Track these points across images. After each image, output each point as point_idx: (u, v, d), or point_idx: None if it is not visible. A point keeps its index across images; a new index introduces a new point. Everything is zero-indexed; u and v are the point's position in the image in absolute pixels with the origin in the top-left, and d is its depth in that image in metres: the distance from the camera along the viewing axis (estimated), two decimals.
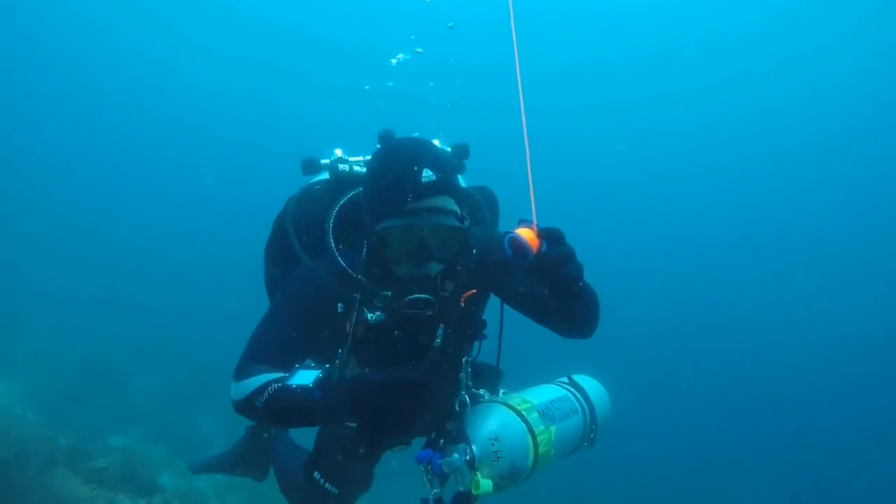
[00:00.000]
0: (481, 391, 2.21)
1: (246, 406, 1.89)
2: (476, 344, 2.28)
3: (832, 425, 11.97)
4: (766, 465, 10.89)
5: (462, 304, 2.09)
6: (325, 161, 2.34)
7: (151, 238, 15.07)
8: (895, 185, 17.67)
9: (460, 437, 1.84)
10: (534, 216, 1.65)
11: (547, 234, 1.63)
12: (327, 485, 2.31)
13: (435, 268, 1.94)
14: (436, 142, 2.32)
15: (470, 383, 2.05)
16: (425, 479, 1.84)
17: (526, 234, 1.62)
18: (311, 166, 2.34)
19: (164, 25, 20.49)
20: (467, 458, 1.79)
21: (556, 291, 1.76)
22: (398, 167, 1.91)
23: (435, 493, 1.84)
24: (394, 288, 1.94)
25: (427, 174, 1.87)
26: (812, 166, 18.77)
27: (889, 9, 16.94)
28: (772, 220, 18.31)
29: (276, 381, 1.84)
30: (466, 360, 2.09)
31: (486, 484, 1.77)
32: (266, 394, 1.83)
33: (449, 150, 2.29)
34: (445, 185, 1.92)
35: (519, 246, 1.61)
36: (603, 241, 17.98)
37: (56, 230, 13.81)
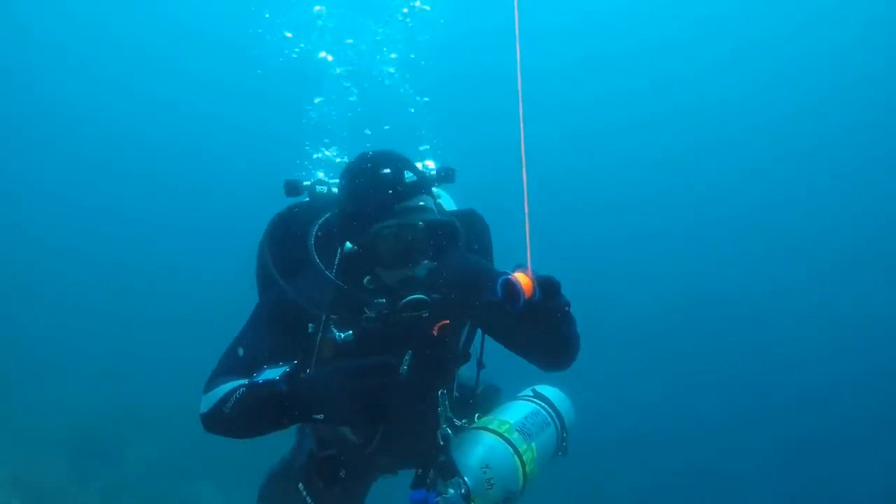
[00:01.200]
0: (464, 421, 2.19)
1: (215, 415, 1.87)
2: (455, 375, 2.30)
3: (835, 425, 11.68)
4: (763, 467, 10.59)
5: (434, 334, 2.09)
6: (307, 183, 2.39)
7: (142, 291, 14.38)
8: None
9: (451, 470, 1.84)
10: (528, 262, 1.65)
11: (543, 283, 1.62)
12: (308, 499, 2.33)
13: (424, 269, 1.98)
14: (430, 163, 2.45)
15: (451, 415, 2.05)
16: None
17: (521, 279, 1.61)
18: (293, 188, 2.39)
19: (154, 29, 19.99)
20: (462, 491, 1.79)
21: (543, 337, 1.82)
22: (381, 172, 1.99)
23: None
24: (385, 294, 1.96)
25: (408, 175, 1.99)
26: (818, 151, 18.70)
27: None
28: (773, 216, 18.22)
29: (244, 384, 1.82)
30: (443, 393, 2.07)
31: None
32: (234, 398, 1.81)
33: (434, 172, 2.37)
34: (424, 186, 2.03)
35: (512, 290, 1.59)
36: (598, 235, 17.83)
37: (30, 284, 13.31)
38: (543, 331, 1.72)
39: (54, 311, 12.47)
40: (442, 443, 1.93)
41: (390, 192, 1.96)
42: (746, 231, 17.98)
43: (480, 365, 2.35)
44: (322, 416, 1.71)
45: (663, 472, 9.96)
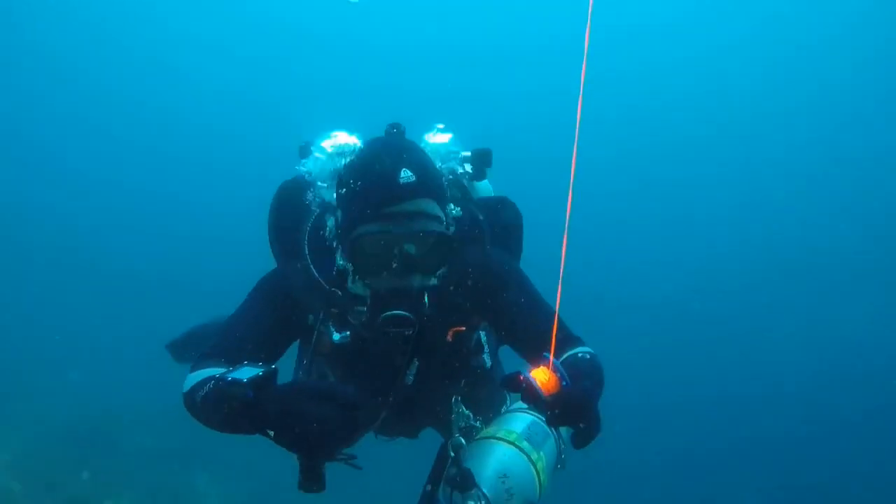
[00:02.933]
0: (478, 422, 2.03)
1: (188, 400, 1.69)
2: (462, 383, 2.11)
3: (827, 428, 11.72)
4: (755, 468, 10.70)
5: (449, 340, 1.95)
6: (323, 143, 2.08)
7: (141, 276, 14.31)
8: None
9: (467, 482, 1.68)
10: (552, 357, 1.53)
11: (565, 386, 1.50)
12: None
13: (418, 281, 1.78)
14: (445, 137, 2.21)
15: (463, 424, 1.90)
16: None
17: (539, 377, 1.49)
18: (304, 152, 2.15)
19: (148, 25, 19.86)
20: (482, 503, 1.69)
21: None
22: (374, 167, 1.77)
23: None
24: (370, 303, 1.79)
25: (406, 174, 1.73)
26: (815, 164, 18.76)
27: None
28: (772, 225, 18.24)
29: (220, 375, 1.58)
30: (457, 399, 1.91)
31: None
32: (206, 388, 1.59)
33: (469, 153, 2.19)
34: (426, 187, 1.77)
35: (531, 392, 1.49)
36: (595, 235, 17.89)
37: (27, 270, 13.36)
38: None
39: (56, 301, 12.50)
40: (453, 454, 1.77)
41: (380, 192, 1.73)
42: (744, 232, 18.02)
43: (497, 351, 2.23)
44: (272, 433, 1.43)
45: (658, 472, 10.04)
